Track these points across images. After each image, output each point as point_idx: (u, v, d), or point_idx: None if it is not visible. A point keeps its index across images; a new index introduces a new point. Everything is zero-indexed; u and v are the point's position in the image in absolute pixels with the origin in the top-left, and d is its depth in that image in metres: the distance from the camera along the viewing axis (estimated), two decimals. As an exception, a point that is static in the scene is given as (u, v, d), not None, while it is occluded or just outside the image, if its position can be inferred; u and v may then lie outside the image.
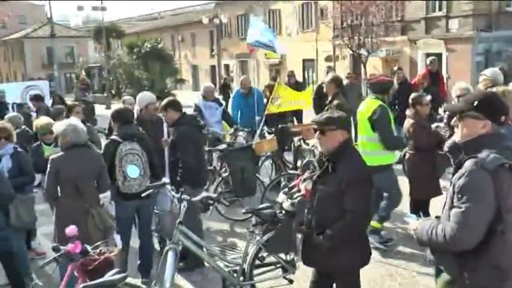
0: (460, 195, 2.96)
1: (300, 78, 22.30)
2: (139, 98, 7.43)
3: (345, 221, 3.85)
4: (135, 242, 6.23)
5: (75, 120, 5.69)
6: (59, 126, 5.48)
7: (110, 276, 3.93)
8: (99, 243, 4.53)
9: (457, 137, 3.20)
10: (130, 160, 5.71)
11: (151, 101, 7.29)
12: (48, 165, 5.30)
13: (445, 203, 3.19)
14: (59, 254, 4.28)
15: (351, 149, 4.13)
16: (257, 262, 5.38)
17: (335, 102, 7.56)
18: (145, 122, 6.98)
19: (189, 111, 9.79)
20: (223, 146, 8.53)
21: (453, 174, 3.13)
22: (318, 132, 4.03)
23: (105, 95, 32.56)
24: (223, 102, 11.94)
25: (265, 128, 10.14)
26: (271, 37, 10.45)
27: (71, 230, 4.45)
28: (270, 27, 37.74)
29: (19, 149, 6.22)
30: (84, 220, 5.24)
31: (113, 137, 5.88)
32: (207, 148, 8.58)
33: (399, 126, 8.01)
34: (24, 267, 5.98)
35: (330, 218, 3.92)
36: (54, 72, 29.79)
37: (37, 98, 12.86)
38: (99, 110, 26.56)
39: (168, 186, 5.48)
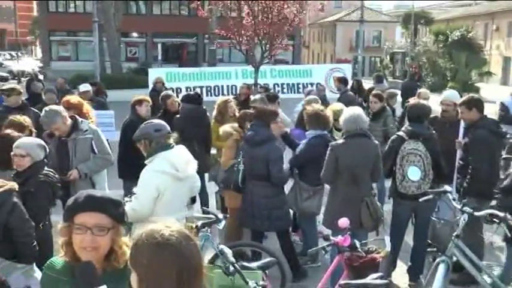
0: None
1: None
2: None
3: None
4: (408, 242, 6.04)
5: (357, 110, 5.68)
6: (344, 115, 5.56)
7: (373, 279, 3.85)
8: (367, 240, 4.49)
9: None
10: (411, 161, 5.47)
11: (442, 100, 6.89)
12: (328, 152, 5.43)
13: None
14: (328, 244, 4.38)
15: None
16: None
17: None
18: (442, 123, 6.57)
19: (493, 107, 9.02)
20: (523, 156, 7.56)
21: None
22: None
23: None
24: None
25: None
26: None
27: (343, 222, 4.48)
28: None
29: (316, 137, 6.34)
30: (358, 208, 5.32)
31: (400, 133, 5.73)
32: (504, 155, 7.72)
33: None
34: (311, 246, 6.29)
35: None
36: (358, 56, 30.73)
37: (341, 80, 13.35)
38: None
39: (450, 195, 5.09)
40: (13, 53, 65.73)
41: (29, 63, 52.09)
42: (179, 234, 1.90)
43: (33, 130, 5.66)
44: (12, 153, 4.35)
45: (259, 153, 5.67)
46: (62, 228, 2.30)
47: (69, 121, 5.65)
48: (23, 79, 36.81)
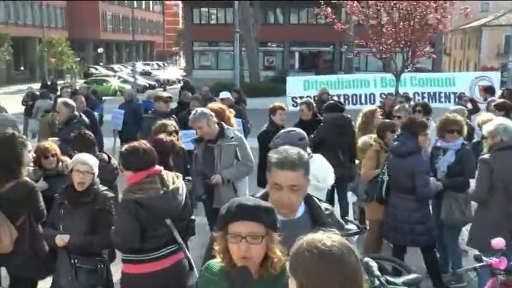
0: None
1: None
2: None
3: None
4: None
5: (505, 120, 5.31)
6: (489, 126, 5.20)
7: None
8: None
9: None
10: None
11: None
12: (480, 166, 5.08)
13: None
14: (480, 264, 4.08)
15: None
16: None
17: None
18: None
19: None
20: None
21: None
22: None
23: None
24: None
25: None
26: None
27: (498, 242, 4.15)
28: None
29: (467, 146, 6.03)
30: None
31: None
32: None
33: None
34: (454, 264, 6.01)
35: None
36: (509, 63, 28.49)
37: (487, 90, 12.54)
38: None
39: None
40: (160, 62, 70.75)
41: (174, 72, 55.57)
42: (341, 245, 1.85)
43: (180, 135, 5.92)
44: (75, 168, 4.30)
45: (404, 164, 5.47)
46: (217, 237, 2.35)
47: (215, 126, 5.82)
48: (168, 87, 39.45)
